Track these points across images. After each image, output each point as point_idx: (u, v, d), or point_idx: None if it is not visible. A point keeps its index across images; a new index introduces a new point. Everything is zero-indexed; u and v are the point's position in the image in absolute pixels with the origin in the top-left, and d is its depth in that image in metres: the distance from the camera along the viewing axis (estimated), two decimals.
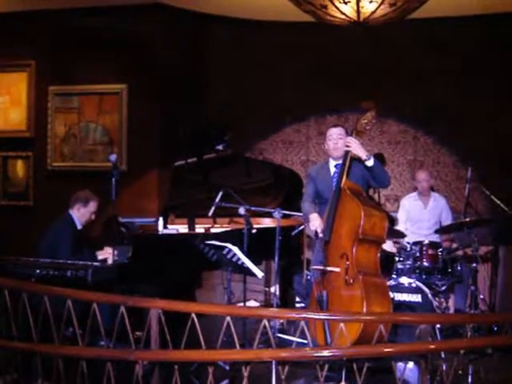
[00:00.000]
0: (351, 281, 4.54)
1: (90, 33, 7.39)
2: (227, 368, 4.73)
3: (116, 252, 5.12)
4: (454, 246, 6.26)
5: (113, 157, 4.93)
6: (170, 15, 7.33)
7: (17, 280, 4.14)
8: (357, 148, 4.85)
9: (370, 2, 5.52)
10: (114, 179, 4.84)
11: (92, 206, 5.57)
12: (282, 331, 5.72)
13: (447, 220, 6.42)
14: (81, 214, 5.53)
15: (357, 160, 4.95)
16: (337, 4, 5.58)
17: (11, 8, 7.51)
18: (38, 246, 5.40)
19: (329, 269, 4.68)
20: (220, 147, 6.38)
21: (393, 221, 6.29)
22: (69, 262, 4.94)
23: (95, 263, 4.99)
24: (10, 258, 5.08)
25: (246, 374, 3.31)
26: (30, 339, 3.84)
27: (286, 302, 6.44)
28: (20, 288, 3.89)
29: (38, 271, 4.81)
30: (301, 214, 5.43)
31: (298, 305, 6.76)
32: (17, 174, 7.73)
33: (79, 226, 5.53)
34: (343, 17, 5.71)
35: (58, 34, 7.52)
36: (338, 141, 5.02)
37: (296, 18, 6.78)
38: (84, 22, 7.39)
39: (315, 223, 4.84)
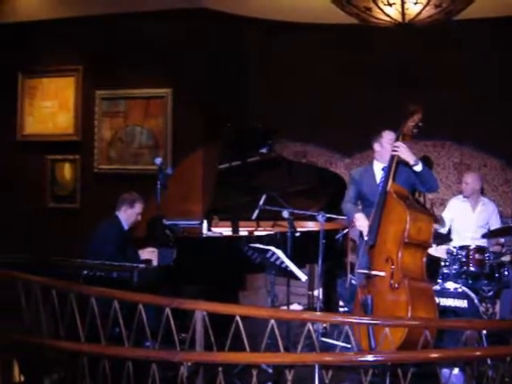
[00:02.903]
0: (396, 285, 4.49)
1: (135, 37, 7.50)
2: (270, 371, 4.73)
3: (161, 254, 5.17)
4: (504, 250, 6.12)
5: (158, 160, 4.99)
6: (214, 19, 7.37)
7: (65, 281, 4.22)
8: (405, 153, 4.81)
9: (415, 3, 5.47)
10: (159, 182, 4.89)
11: (138, 207, 5.65)
12: (325, 335, 5.69)
13: (496, 225, 6.28)
14: (127, 216, 5.61)
15: (403, 164, 4.90)
16: (381, 6, 5.55)
17: (59, 14, 7.67)
18: (85, 247, 5.50)
19: (374, 273, 4.64)
20: (264, 150, 6.39)
21: (438, 221, 6.18)
22: (115, 263, 5.01)
23: (141, 265, 5.06)
24: (58, 259, 5.18)
25: (289, 377, 3.30)
26: (76, 339, 3.90)
27: (329, 305, 6.41)
28: (68, 289, 3.96)
29: (84, 272, 4.90)
30: (345, 218, 5.40)
31: (341, 309, 6.72)
32: (64, 176, 7.87)
33: (126, 227, 5.61)
34: (388, 19, 5.67)
35: (104, 38, 7.65)
36: None
37: (337, 20, 6.75)
38: (130, 26, 7.50)
39: (363, 223, 4.82)
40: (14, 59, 7.92)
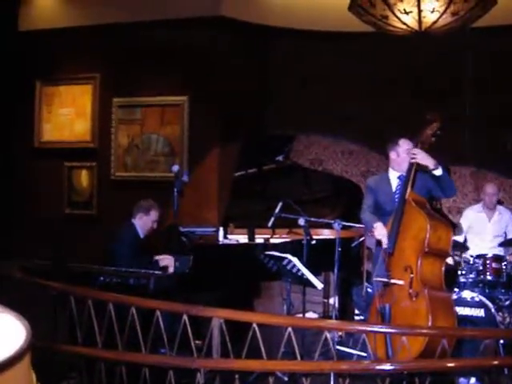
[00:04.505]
0: (415, 294, 4.46)
1: (152, 46, 7.53)
2: (285, 379, 4.71)
3: (177, 261, 5.19)
4: None
5: (175, 168, 5.00)
6: (233, 28, 7.39)
7: (82, 287, 4.24)
8: (424, 158, 4.76)
9: (432, 11, 5.46)
10: (176, 190, 4.90)
11: (153, 214, 5.66)
12: (340, 343, 5.67)
13: None
14: (143, 223, 5.63)
15: (420, 171, 4.88)
16: (398, 14, 5.54)
17: (76, 22, 7.73)
18: (102, 253, 5.52)
19: (392, 281, 4.59)
20: (280, 158, 6.40)
21: (455, 227, 6.13)
22: (131, 270, 5.03)
23: (157, 272, 5.07)
24: (75, 266, 5.21)
25: None
26: (93, 344, 3.92)
27: (344, 314, 6.39)
28: (86, 295, 3.98)
29: (101, 278, 4.92)
30: (361, 226, 5.38)
31: (356, 317, 6.69)
32: (81, 183, 7.91)
33: (142, 235, 5.62)
34: (404, 27, 5.66)
35: (121, 47, 7.69)
36: None
37: (357, 28, 6.75)
38: (147, 35, 7.54)
39: (381, 232, 4.77)
40: (31, 67, 7.99)
